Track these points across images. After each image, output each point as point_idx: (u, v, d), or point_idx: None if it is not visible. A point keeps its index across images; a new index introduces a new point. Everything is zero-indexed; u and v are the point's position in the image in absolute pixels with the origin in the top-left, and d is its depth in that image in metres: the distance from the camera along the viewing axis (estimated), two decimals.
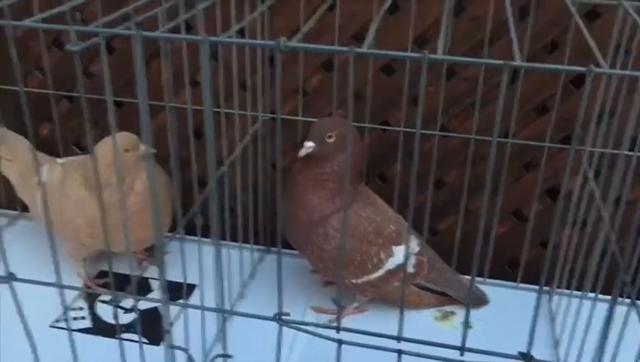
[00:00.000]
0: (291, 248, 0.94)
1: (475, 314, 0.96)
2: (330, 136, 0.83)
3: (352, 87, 0.49)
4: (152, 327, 0.94)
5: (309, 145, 0.82)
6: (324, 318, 0.95)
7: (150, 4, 0.61)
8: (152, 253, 1.06)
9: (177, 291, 0.76)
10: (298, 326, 0.57)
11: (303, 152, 0.83)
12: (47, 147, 1.11)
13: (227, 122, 0.86)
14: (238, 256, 0.96)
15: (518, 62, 0.47)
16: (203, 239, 0.73)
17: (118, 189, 0.80)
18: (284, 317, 0.57)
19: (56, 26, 0.53)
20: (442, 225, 1.07)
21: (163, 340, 0.90)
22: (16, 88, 1.03)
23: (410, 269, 0.93)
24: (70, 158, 1.03)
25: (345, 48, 0.46)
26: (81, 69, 0.54)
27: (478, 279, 1.02)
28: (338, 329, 0.57)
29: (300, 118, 0.99)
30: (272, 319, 0.57)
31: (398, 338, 0.55)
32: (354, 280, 0.91)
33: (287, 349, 0.88)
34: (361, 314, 0.96)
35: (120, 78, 1.06)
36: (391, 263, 0.91)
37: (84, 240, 0.93)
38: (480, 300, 0.98)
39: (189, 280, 0.69)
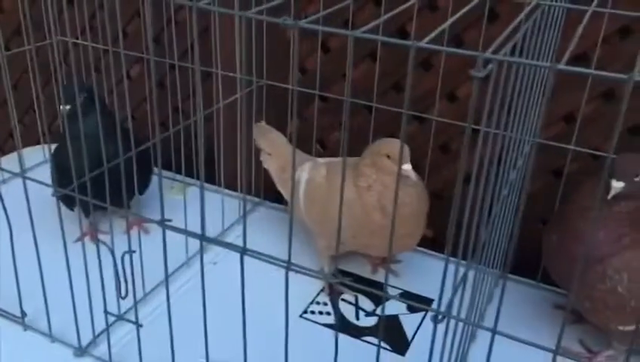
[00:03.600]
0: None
1: None
2: (637, 175, 0.78)
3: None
4: (392, 335, 0.95)
5: (619, 185, 0.78)
6: None
7: None
8: (386, 259, 1.08)
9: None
10: None
11: (612, 193, 0.78)
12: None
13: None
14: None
15: None
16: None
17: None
18: None
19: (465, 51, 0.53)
20: None
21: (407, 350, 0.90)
22: (286, 86, 1.11)
23: None
24: (331, 159, 1.06)
25: None
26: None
27: None
28: None
29: (570, 146, 0.95)
30: None
31: None
32: (620, 327, 0.84)
33: None
34: None
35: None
36: None
37: (344, 239, 0.96)
38: None
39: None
